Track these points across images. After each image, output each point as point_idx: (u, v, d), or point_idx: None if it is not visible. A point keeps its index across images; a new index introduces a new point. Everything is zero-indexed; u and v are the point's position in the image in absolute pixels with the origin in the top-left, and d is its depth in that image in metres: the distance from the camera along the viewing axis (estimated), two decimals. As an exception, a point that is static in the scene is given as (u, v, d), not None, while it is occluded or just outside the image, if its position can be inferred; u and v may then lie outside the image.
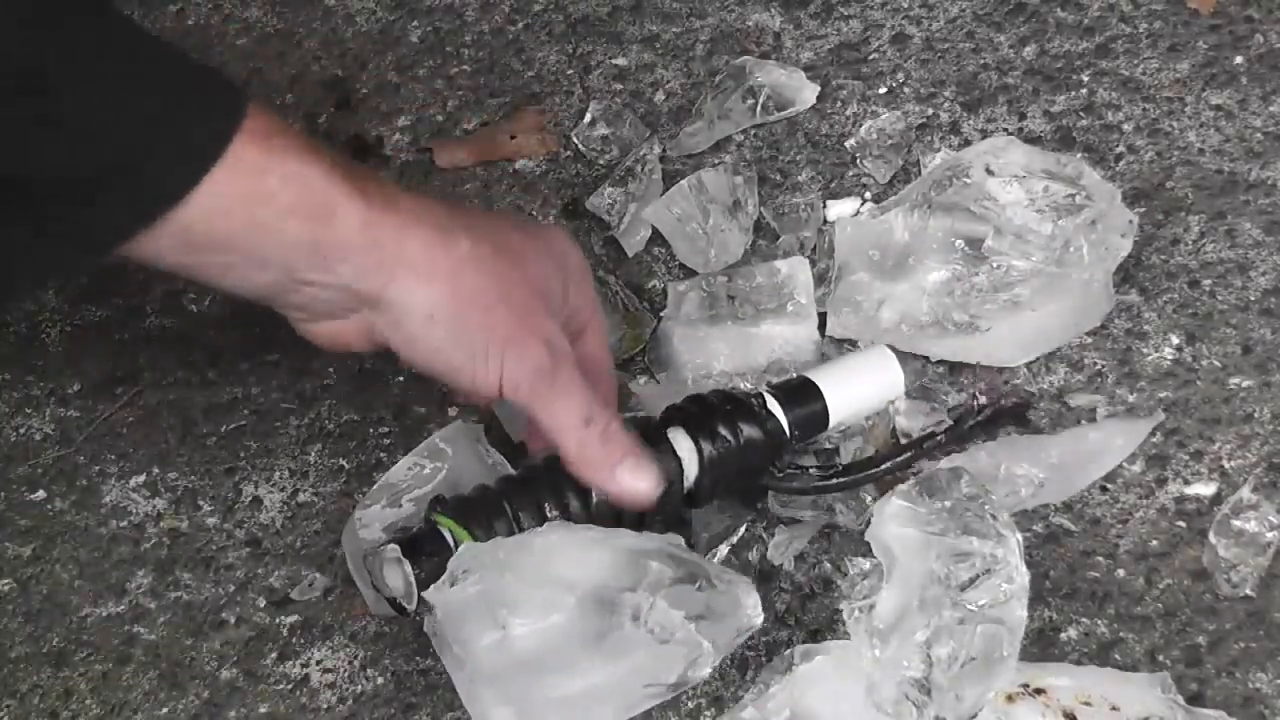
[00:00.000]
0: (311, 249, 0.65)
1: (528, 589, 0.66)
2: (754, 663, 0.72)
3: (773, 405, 0.74)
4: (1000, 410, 0.77)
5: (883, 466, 0.75)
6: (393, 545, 0.70)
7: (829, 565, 0.75)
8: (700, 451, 0.72)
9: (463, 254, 0.67)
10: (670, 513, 0.73)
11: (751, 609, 0.68)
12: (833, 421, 0.75)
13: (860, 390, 0.76)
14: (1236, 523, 0.72)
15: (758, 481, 0.75)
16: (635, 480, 0.69)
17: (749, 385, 0.79)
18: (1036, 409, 0.79)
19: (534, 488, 0.71)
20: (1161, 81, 0.91)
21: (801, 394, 0.75)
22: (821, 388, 0.75)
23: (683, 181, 0.89)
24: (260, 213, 0.63)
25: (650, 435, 0.72)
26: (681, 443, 0.72)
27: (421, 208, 0.68)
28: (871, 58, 0.96)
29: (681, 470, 0.72)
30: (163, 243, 0.63)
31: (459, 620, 0.67)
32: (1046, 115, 0.91)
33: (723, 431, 0.72)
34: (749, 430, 0.72)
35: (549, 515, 0.70)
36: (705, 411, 0.73)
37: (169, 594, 0.79)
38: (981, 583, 0.65)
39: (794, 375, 0.76)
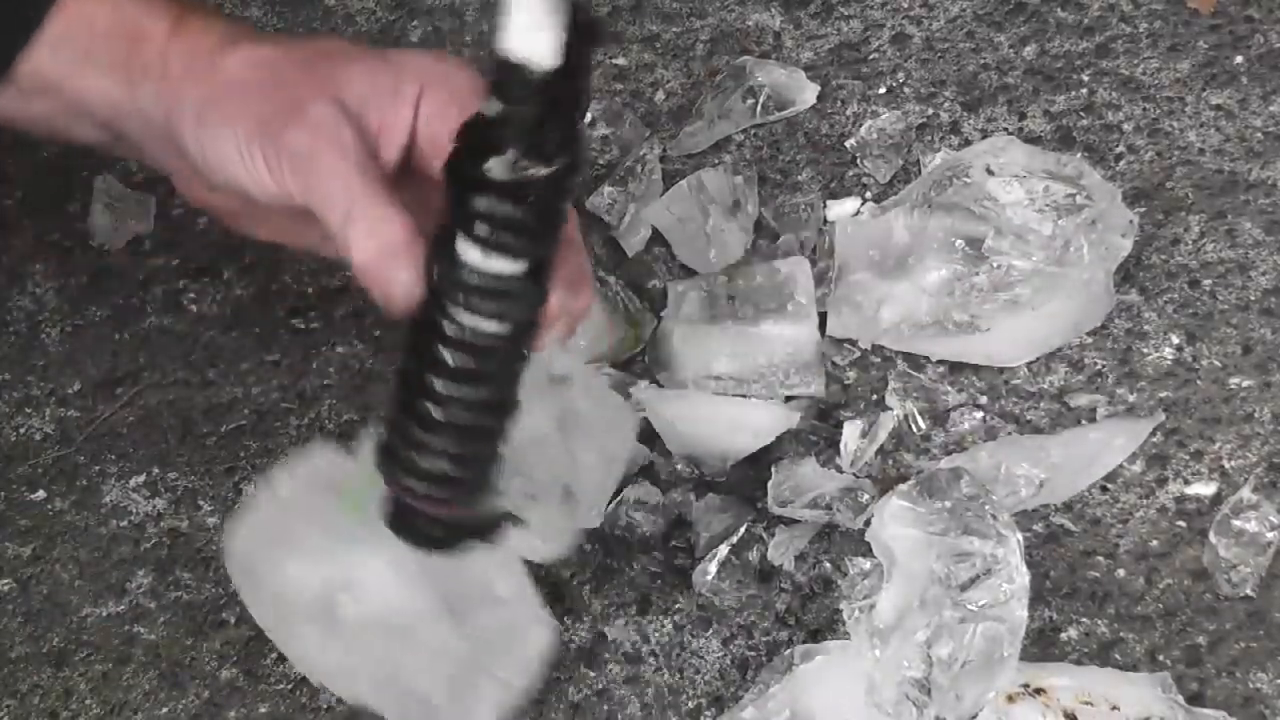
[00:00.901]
0: (124, 72, 0.64)
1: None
2: (754, 663, 0.72)
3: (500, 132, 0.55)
4: None
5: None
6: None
7: (829, 565, 0.75)
8: (484, 243, 0.56)
9: (235, 55, 0.63)
10: (524, 306, 0.58)
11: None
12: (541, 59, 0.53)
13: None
14: (1236, 523, 0.72)
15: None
16: (390, 281, 0.59)
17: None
18: (1037, 409, 0.79)
19: (405, 404, 0.60)
20: (1161, 81, 0.91)
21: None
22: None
23: (683, 181, 0.89)
24: (81, 41, 0.64)
25: (439, 261, 0.58)
26: (463, 249, 0.57)
27: (229, 29, 0.65)
28: (871, 58, 0.96)
29: (484, 271, 0.56)
30: (4, 98, 0.64)
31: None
32: (1046, 115, 0.91)
33: (484, 202, 0.56)
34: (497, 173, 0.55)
35: (437, 408, 0.59)
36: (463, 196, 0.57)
37: (169, 594, 0.79)
38: (982, 583, 0.65)
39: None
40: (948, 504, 0.67)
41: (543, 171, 0.55)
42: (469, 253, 0.56)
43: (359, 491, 0.64)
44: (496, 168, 0.55)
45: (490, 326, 0.57)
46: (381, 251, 0.59)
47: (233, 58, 0.64)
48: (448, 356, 0.58)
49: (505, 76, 0.53)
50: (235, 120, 0.62)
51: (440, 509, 0.62)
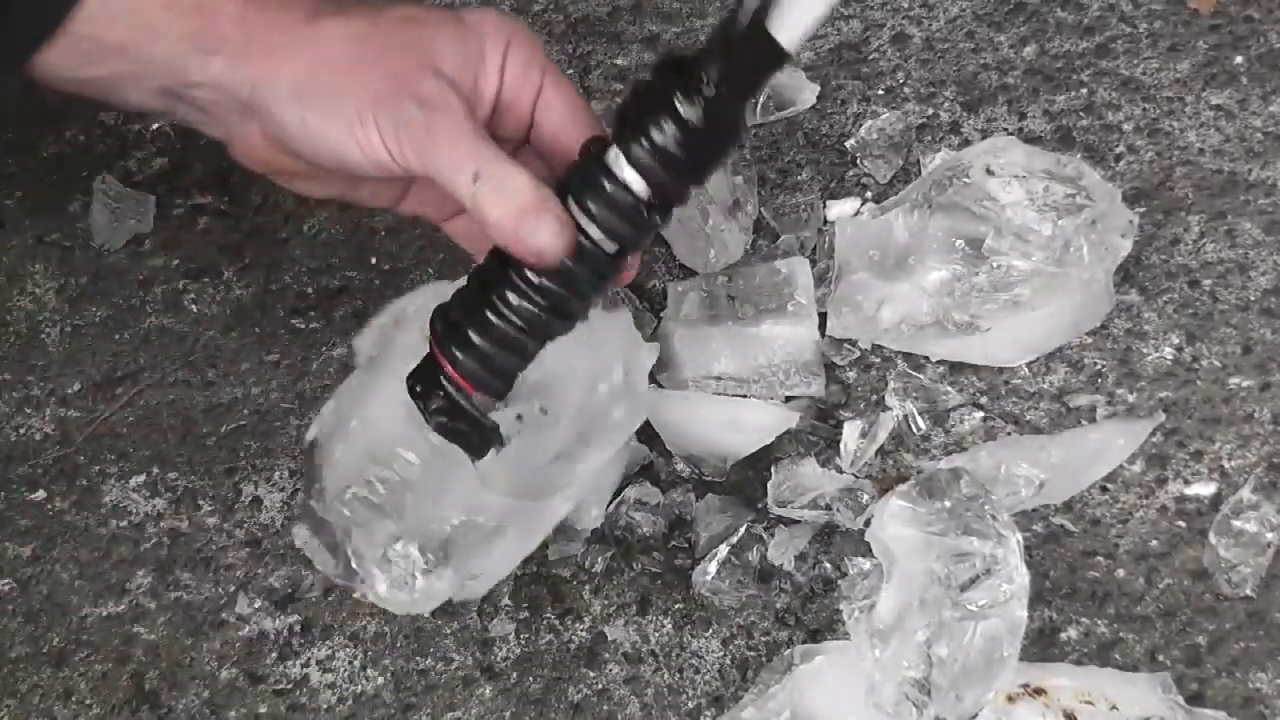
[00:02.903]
0: (192, 43, 0.64)
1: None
2: (754, 663, 0.72)
3: (709, 72, 0.61)
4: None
5: None
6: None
7: (829, 565, 0.75)
8: (637, 162, 0.62)
9: (329, 29, 0.64)
10: (633, 238, 0.64)
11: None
12: (790, 49, 0.60)
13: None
14: (1236, 523, 0.72)
15: (721, 154, 0.65)
16: (535, 241, 0.62)
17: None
18: (1037, 409, 0.79)
19: (485, 287, 0.65)
20: (1161, 81, 0.91)
21: (740, 43, 0.61)
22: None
23: (683, 181, 0.89)
24: (144, 10, 0.63)
25: (591, 169, 0.63)
26: (620, 164, 0.62)
27: (307, 2, 0.65)
28: (871, 58, 0.96)
29: (630, 191, 0.62)
30: (60, 57, 0.63)
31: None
32: (1046, 115, 0.91)
33: (653, 129, 0.61)
34: (685, 111, 0.61)
35: (508, 306, 0.63)
36: (632, 111, 0.63)
37: (169, 594, 0.79)
38: (981, 583, 0.65)
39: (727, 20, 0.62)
40: (947, 504, 0.67)
41: (718, 122, 0.61)
42: (623, 170, 0.62)
43: None
44: (685, 104, 0.60)
45: (607, 244, 0.63)
46: (521, 209, 0.62)
47: (325, 32, 0.64)
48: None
49: (733, 34, 0.60)
50: (345, 96, 0.63)
51: (465, 384, 0.65)
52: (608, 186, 0.62)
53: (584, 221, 0.62)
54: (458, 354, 0.64)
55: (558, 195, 0.63)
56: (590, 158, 0.63)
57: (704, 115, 0.61)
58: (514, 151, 0.68)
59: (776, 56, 0.60)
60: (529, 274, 0.63)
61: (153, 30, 0.64)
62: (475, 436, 0.66)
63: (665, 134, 0.61)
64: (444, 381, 0.65)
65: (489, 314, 0.64)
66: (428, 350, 0.66)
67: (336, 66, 0.64)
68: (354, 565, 0.72)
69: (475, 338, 0.64)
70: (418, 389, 0.66)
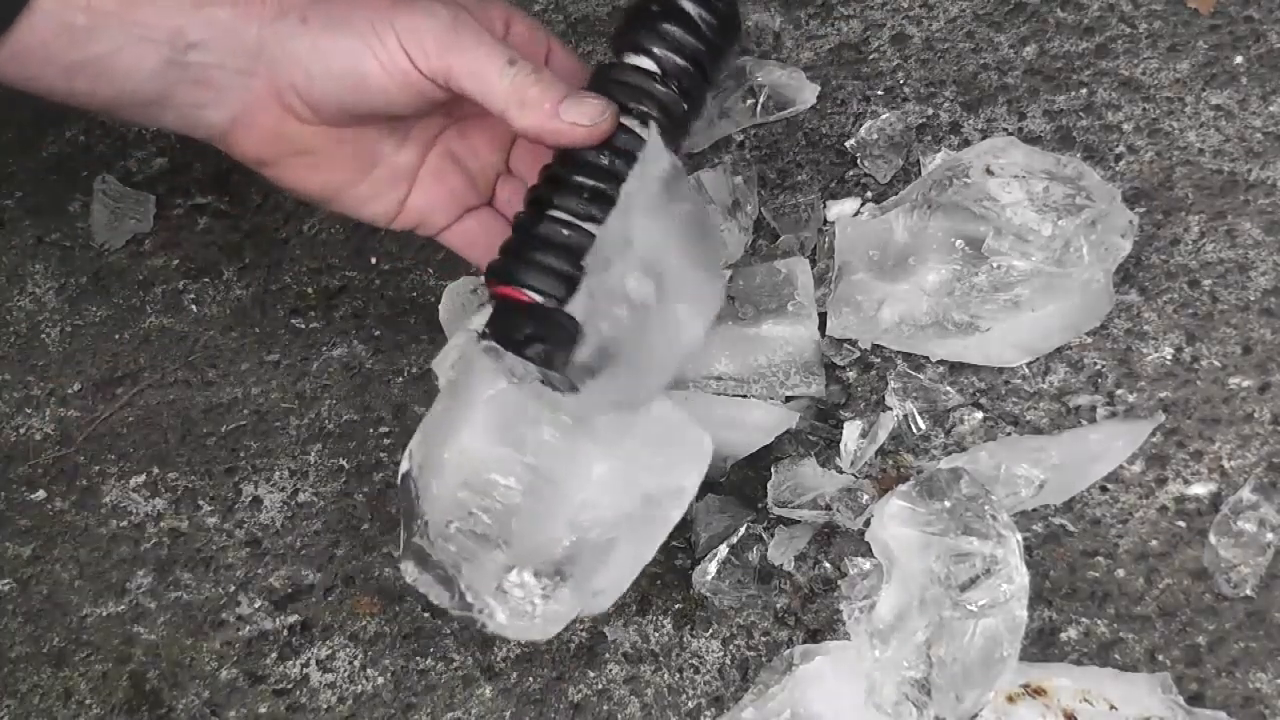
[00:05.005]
0: (188, 3, 0.63)
1: None
2: (754, 663, 0.72)
3: None
4: None
5: None
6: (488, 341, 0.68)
7: (829, 565, 0.75)
8: (659, 59, 0.67)
9: None
10: (673, 130, 0.68)
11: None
12: None
13: None
14: (1236, 523, 0.72)
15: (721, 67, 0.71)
16: (580, 112, 0.63)
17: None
18: (1037, 409, 0.79)
19: (547, 198, 0.67)
20: (1161, 81, 0.91)
21: None
22: None
23: (683, 181, 0.89)
24: None
25: (610, 71, 0.68)
26: (639, 60, 0.67)
27: None
28: (871, 58, 0.96)
29: (651, 93, 0.67)
30: (46, 34, 0.62)
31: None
32: (1046, 115, 0.91)
33: (671, 28, 0.67)
34: (696, 11, 0.68)
35: (551, 212, 0.67)
36: (645, 17, 0.68)
37: (169, 594, 0.79)
38: (981, 583, 0.65)
39: None
40: (947, 504, 0.67)
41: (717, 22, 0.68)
42: (641, 60, 0.67)
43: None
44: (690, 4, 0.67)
45: (637, 125, 0.66)
46: (561, 92, 0.63)
47: None
48: (599, 158, 0.66)
49: None
50: (357, 8, 0.62)
51: (530, 294, 0.66)
52: (628, 72, 0.67)
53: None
54: (517, 274, 0.66)
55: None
56: (609, 64, 0.68)
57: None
58: None
59: None
60: (563, 173, 0.66)
61: None
62: (562, 347, 0.66)
63: (680, 34, 0.67)
64: (514, 309, 0.66)
65: (535, 229, 0.66)
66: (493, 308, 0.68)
67: None
68: (469, 599, 0.68)
69: (528, 251, 0.66)
70: (494, 331, 0.67)
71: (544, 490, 0.68)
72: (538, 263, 0.67)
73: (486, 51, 0.62)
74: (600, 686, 0.73)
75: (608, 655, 0.74)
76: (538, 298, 0.66)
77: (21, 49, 0.63)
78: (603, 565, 0.69)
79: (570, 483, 0.67)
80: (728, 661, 0.73)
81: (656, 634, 0.74)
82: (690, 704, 0.72)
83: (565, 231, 0.66)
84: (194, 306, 0.91)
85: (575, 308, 0.66)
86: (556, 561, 0.68)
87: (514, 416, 0.67)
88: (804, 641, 0.72)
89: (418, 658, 0.75)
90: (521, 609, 0.68)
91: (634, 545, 0.69)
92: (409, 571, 0.69)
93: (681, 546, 0.77)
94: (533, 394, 0.67)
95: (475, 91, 0.63)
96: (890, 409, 0.80)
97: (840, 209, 0.89)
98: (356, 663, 0.75)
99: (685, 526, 0.77)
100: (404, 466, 0.71)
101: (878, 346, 0.83)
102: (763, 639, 0.73)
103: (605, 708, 0.72)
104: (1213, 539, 0.72)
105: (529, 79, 0.62)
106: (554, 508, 0.68)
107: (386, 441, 0.83)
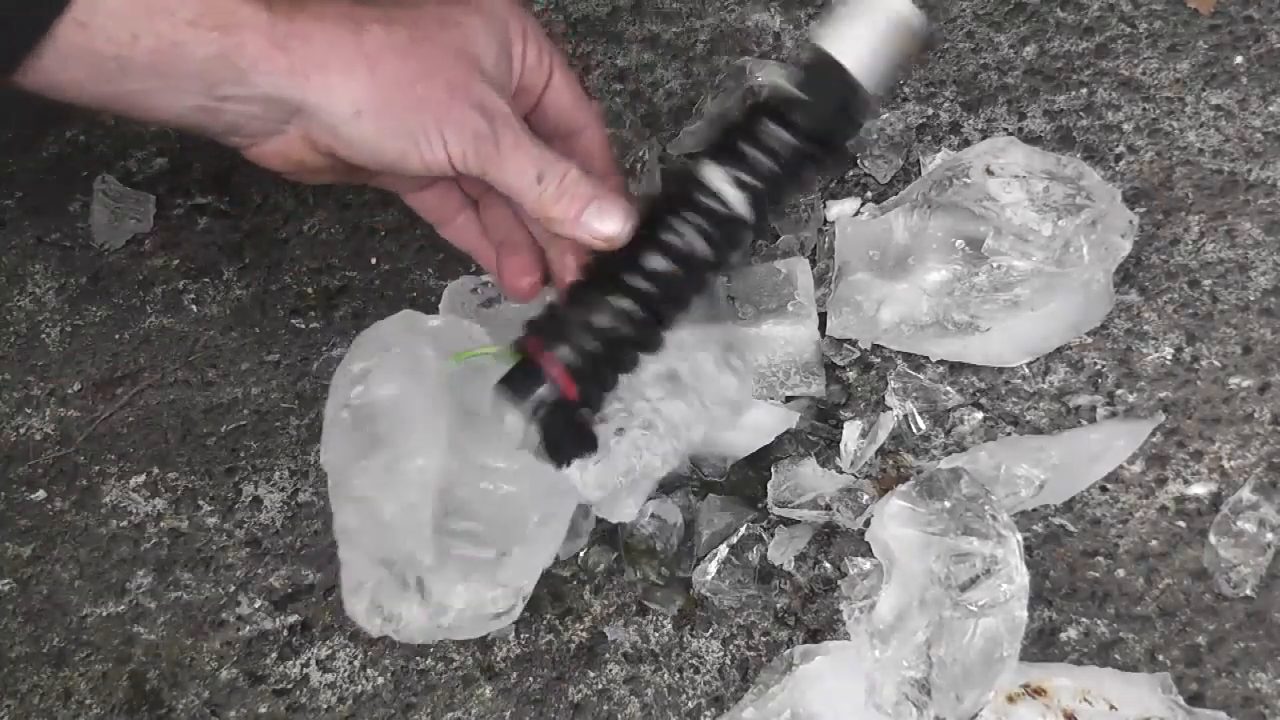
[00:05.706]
0: (223, 62, 0.64)
1: None
2: (754, 663, 0.72)
3: (793, 92, 0.67)
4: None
5: None
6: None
7: (829, 565, 0.75)
8: (738, 180, 0.67)
9: (376, 42, 0.66)
10: (734, 243, 0.69)
11: None
12: (868, 85, 0.66)
13: (875, 36, 0.66)
14: (1236, 523, 0.72)
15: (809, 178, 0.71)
16: (601, 223, 0.68)
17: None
18: (1037, 409, 0.79)
19: (595, 288, 0.69)
20: (1161, 81, 0.91)
21: (817, 71, 0.66)
22: (833, 54, 0.66)
23: (683, 181, 0.89)
24: (164, 30, 0.63)
25: (682, 180, 0.68)
26: (712, 174, 0.67)
27: (328, 6, 0.66)
28: (871, 58, 0.96)
29: (725, 201, 0.67)
30: (77, 71, 0.63)
31: None
32: (1046, 115, 0.91)
33: (749, 149, 0.67)
34: (777, 133, 0.67)
35: (609, 309, 0.68)
36: (728, 134, 0.68)
37: (169, 594, 0.79)
38: (981, 583, 0.65)
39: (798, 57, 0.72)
40: (947, 504, 0.67)
41: (807, 152, 0.67)
42: (725, 189, 0.67)
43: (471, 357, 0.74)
44: (776, 129, 0.66)
45: (702, 249, 0.67)
46: (586, 200, 0.67)
47: (372, 44, 0.65)
48: (655, 261, 0.67)
49: (823, 74, 0.66)
50: (409, 115, 0.66)
51: (568, 385, 0.67)
52: (704, 200, 0.67)
53: (682, 228, 0.67)
54: (563, 352, 0.67)
55: (653, 211, 0.68)
56: (686, 174, 0.68)
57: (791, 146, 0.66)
58: None
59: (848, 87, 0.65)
60: (629, 279, 0.67)
61: (181, 49, 0.63)
62: (570, 441, 0.69)
63: (760, 158, 0.67)
64: (546, 383, 0.67)
65: (592, 316, 0.67)
66: (514, 360, 0.68)
67: (396, 85, 0.65)
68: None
69: (580, 337, 0.67)
70: (513, 392, 0.67)
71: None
72: (599, 378, 0.68)
73: (517, 168, 0.67)
74: (600, 686, 0.73)
75: (608, 655, 0.74)
76: (584, 407, 0.69)
77: (49, 81, 0.64)
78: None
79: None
80: (728, 661, 0.73)
81: (656, 634, 0.74)
82: (690, 704, 0.72)
83: (620, 337, 0.68)
84: (194, 306, 0.91)
85: (603, 430, 0.72)
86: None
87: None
88: (804, 641, 0.72)
89: (417, 658, 0.75)
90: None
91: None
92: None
93: (681, 547, 0.77)
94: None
95: (507, 194, 0.68)
96: (890, 409, 0.80)
97: (840, 209, 0.89)
98: (356, 663, 0.75)
99: (685, 526, 0.77)
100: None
101: (878, 346, 0.83)
102: (763, 639, 0.73)
103: (605, 708, 0.72)
104: (1213, 539, 0.72)
105: (552, 195, 0.67)
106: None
107: (386, 441, 0.83)
